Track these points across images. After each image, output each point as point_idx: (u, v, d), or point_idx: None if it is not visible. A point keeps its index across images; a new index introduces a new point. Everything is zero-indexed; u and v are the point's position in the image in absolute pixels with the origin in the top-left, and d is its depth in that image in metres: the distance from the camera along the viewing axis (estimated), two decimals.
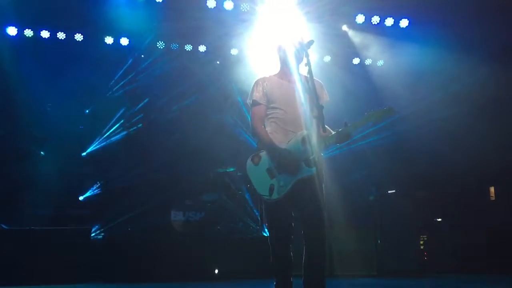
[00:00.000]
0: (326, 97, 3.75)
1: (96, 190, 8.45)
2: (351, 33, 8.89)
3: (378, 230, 7.06)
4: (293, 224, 3.60)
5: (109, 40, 8.54)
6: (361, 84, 9.04)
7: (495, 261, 7.36)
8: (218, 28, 8.42)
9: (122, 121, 9.01)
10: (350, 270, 6.84)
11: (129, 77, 9.01)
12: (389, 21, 8.57)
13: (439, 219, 8.45)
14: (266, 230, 6.30)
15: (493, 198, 8.50)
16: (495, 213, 8.04)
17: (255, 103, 3.70)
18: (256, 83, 3.75)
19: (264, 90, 3.68)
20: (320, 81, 3.74)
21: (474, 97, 7.93)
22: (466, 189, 7.98)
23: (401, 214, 7.21)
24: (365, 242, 6.98)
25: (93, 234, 6.74)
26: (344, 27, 8.87)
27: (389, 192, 7.60)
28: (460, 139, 7.83)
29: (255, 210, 7.73)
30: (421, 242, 7.60)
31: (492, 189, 8.57)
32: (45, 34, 8.23)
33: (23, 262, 5.95)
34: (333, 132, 3.56)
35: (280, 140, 3.55)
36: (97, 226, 7.19)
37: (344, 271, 6.82)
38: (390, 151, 8.81)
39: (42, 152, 8.61)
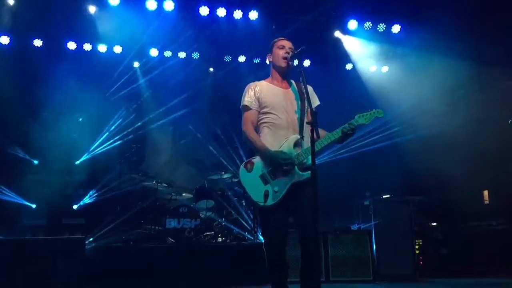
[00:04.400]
0: (316, 102, 3.77)
1: (90, 199, 8.40)
2: (343, 38, 8.94)
3: (373, 235, 7.05)
4: (288, 229, 3.59)
5: (102, 48, 8.55)
6: (354, 89, 9.09)
7: (490, 265, 7.37)
8: (211, 36, 8.45)
9: (113, 128, 8.98)
10: (345, 275, 6.82)
11: (123, 84, 9.01)
12: (381, 27, 8.63)
13: (434, 223, 8.46)
14: (261, 236, 6.29)
15: (487, 202, 8.52)
16: (489, 216, 8.07)
17: (246, 108, 3.72)
18: (248, 88, 3.76)
19: (256, 95, 3.69)
20: (310, 86, 3.73)
21: (468, 103, 7.99)
22: (460, 193, 8.00)
23: (396, 219, 7.21)
24: (360, 247, 6.97)
25: (87, 243, 6.68)
26: (337, 33, 8.91)
27: (384, 197, 7.61)
28: (453, 143, 7.86)
29: (250, 216, 7.70)
30: (417, 247, 7.59)
31: (486, 193, 8.59)
32: (37, 42, 8.22)
33: (17, 272, 5.89)
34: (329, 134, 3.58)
35: (273, 145, 3.55)
36: (91, 235, 7.13)
37: (340, 276, 6.81)
38: (385, 157, 8.83)
39: (35, 161, 8.56)
